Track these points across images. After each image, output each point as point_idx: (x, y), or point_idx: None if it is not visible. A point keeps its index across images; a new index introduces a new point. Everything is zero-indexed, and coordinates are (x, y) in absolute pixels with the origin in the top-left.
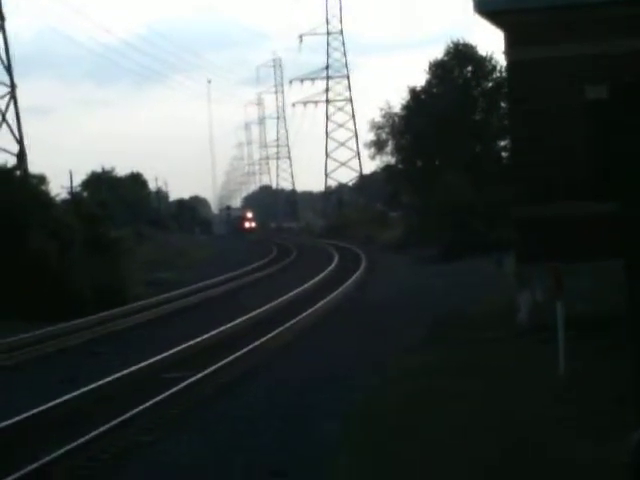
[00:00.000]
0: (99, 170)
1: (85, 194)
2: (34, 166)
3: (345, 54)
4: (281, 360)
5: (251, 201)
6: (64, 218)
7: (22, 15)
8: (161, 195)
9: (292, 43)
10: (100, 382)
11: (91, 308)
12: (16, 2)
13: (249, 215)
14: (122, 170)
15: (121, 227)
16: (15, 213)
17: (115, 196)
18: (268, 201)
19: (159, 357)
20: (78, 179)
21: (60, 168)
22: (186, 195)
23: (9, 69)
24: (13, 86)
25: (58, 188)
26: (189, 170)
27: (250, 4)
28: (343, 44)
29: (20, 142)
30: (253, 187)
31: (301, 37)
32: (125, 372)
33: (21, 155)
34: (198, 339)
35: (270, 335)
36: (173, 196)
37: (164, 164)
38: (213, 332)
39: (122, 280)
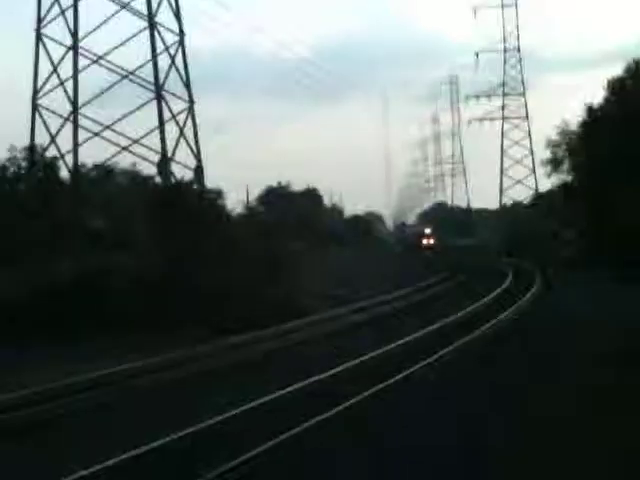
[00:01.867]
0: (275, 185)
1: (261, 208)
2: (212, 180)
3: (522, 71)
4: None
5: (426, 218)
6: (240, 232)
7: (200, 31)
8: (336, 210)
9: (468, 60)
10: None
11: (266, 321)
12: (194, 18)
13: (427, 231)
14: (298, 185)
15: (296, 242)
16: (192, 227)
17: (290, 211)
18: (443, 218)
19: (332, 372)
20: (255, 193)
21: (237, 182)
22: (361, 211)
23: (188, 85)
24: (192, 102)
25: (235, 202)
26: (364, 186)
27: (423, 21)
28: (520, 61)
29: (198, 157)
30: (428, 204)
31: (477, 54)
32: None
33: (199, 170)
34: (371, 354)
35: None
36: (348, 211)
37: (339, 179)
38: (382, 349)
39: (296, 294)
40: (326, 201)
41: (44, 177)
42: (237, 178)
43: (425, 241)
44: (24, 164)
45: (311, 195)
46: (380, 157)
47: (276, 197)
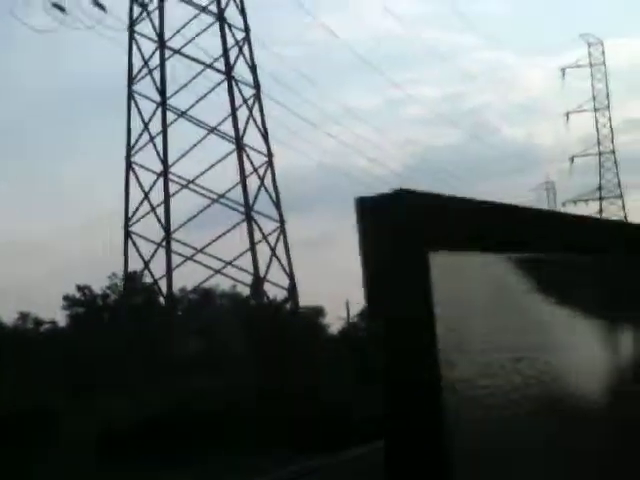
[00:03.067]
0: None
1: (363, 324)
2: (310, 298)
3: (618, 174)
4: None
5: None
6: (335, 349)
7: (289, 150)
8: None
9: (563, 165)
10: None
11: (357, 439)
12: (286, 138)
13: None
14: None
15: None
16: (283, 346)
17: None
18: None
19: None
20: (356, 309)
21: (337, 299)
22: None
23: (278, 205)
24: (282, 221)
25: (334, 319)
26: None
27: (516, 130)
28: (615, 164)
29: (290, 276)
30: None
31: (572, 159)
32: None
33: (291, 288)
34: None
35: None
36: None
37: None
38: None
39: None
40: None
41: (143, 303)
42: (337, 295)
43: None
44: (122, 291)
45: None
46: None
47: None
